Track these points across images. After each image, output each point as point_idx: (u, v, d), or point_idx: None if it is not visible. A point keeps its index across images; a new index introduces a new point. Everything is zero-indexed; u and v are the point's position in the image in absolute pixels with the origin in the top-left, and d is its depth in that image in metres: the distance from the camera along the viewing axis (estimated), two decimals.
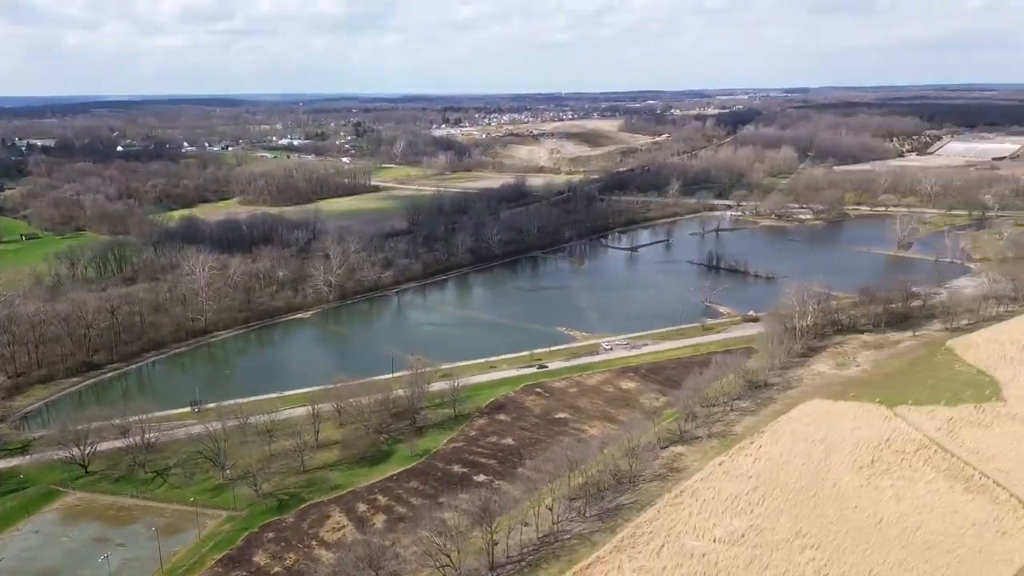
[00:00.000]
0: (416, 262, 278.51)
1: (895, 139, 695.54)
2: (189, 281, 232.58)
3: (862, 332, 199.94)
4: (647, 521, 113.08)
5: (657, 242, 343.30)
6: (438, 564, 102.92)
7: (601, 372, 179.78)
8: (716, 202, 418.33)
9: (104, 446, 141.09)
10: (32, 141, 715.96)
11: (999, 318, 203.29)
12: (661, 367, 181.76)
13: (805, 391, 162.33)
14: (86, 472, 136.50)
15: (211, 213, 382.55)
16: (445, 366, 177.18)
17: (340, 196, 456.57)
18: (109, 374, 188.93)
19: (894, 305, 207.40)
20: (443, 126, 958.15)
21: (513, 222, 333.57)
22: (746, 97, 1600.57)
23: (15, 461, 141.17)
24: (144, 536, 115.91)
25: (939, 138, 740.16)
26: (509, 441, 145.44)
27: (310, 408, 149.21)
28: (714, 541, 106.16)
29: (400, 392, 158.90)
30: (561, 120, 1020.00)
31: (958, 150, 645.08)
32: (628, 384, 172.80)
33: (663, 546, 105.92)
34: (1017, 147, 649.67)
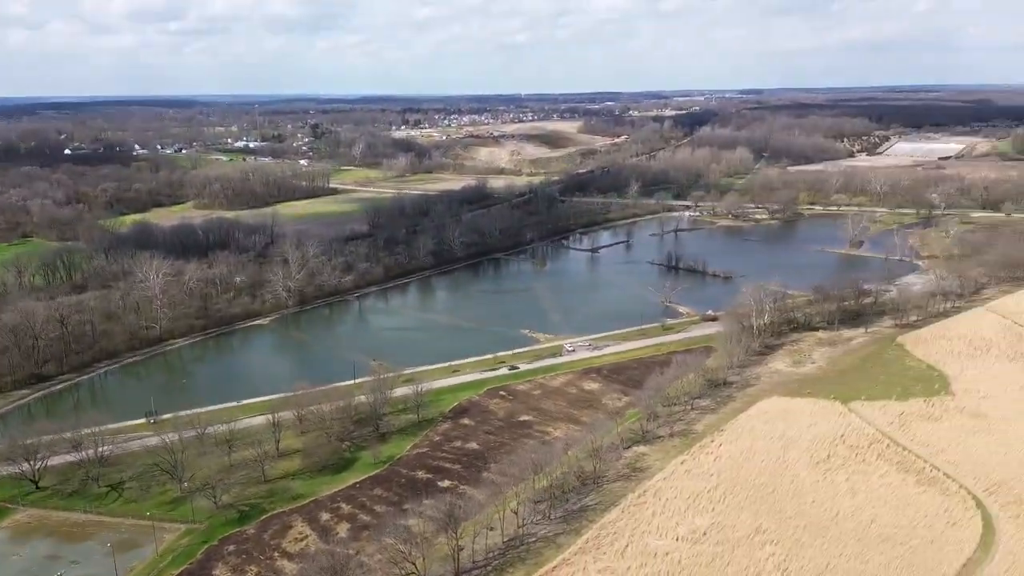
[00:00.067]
0: (377, 266, 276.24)
1: (846, 140, 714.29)
2: (142, 288, 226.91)
3: (817, 329, 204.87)
4: (611, 522, 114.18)
5: (617, 243, 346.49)
6: (403, 572, 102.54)
7: (564, 374, 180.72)
8: (674, 203, 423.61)
9: (55, 460, 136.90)
10: None
11: (946, 314, 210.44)
12: (623, 367, 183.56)
13: (763, 389, 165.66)
14: (37, 488, 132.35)
15: (165, 218, 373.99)
16: (408, 371, 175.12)
17: (298, 199, 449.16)
18: (59, 386, 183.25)
19: (847, 303, 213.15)
20: (403, 127, 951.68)
21: (475, 224, 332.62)
22: (702, 98, 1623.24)
23: None
24: (99, 553, 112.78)
25: (888, 138, 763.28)
26: (473, 445, 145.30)
27: (270, 416, 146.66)
28: (677, 540, 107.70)
29: (362, 398, 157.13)
30: (521, 121, 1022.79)
31: (906, 150, 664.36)
32: (591, 385, 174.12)
33: (627, 546, 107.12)
34: (962, 147, 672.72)
